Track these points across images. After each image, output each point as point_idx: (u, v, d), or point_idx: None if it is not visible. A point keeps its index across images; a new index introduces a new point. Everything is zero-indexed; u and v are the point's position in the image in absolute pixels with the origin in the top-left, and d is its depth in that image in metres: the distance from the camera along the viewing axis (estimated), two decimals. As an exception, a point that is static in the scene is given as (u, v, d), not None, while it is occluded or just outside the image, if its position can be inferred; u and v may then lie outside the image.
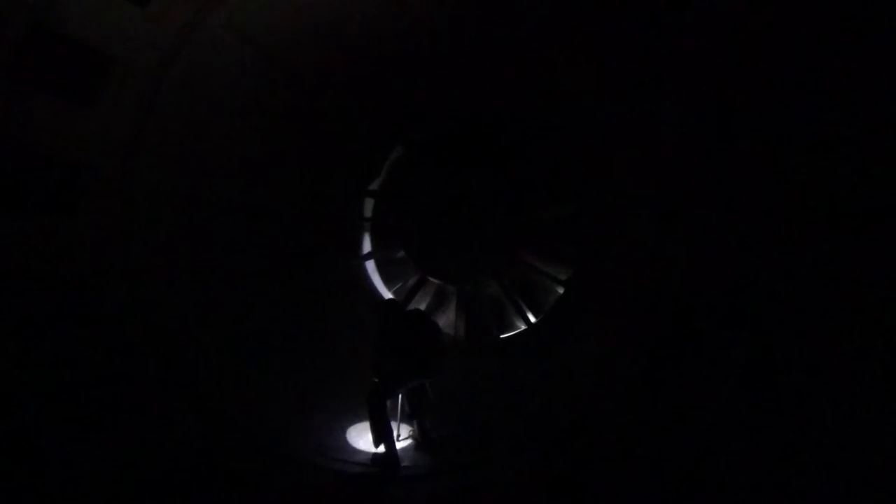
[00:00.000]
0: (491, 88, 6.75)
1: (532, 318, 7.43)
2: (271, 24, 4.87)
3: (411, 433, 5.52)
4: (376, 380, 5.20)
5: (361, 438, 5.33)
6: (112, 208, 4.35)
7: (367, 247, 8.01)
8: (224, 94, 5.08)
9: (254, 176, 5.88)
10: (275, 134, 5.97)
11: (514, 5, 4.95)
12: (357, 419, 5.56)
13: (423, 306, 7.71)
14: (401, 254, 7.60)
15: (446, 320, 7.56)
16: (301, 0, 4.83)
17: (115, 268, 4.33)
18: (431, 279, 7.49)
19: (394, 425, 5.32)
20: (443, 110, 7.42)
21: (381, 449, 4.98)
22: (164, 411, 4.34)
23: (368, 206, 7.96)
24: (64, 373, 3.85)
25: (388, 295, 7.87)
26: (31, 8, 3.39)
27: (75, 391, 3.86)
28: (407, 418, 5.57)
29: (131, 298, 4.37)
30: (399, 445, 5.20)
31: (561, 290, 7.31)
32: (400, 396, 5.57)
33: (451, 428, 5.37)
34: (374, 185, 7.90)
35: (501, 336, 7.57)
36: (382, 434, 4.95)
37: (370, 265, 8.01)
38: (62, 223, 4.10)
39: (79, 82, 3.97)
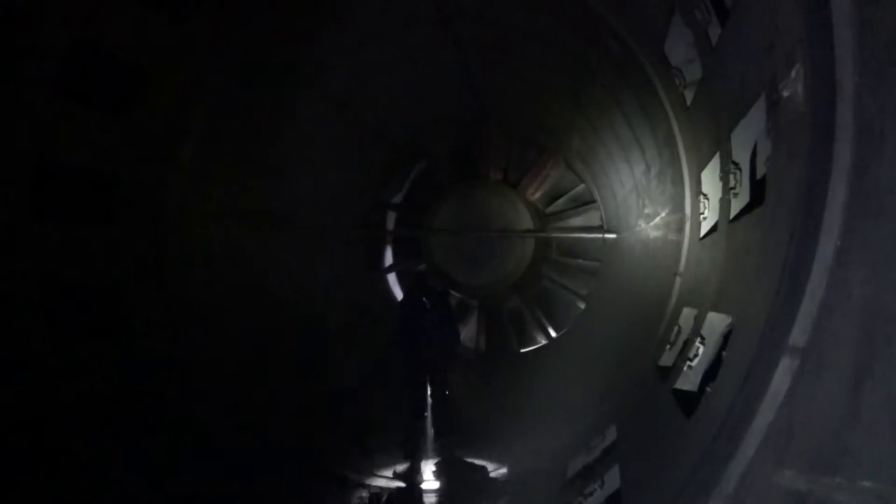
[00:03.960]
0: (512, 99, 6.83)
1: (553, 333, 7.43)
2: (300, 40, 4.98)
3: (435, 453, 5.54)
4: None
5: (383, 454, 5.37)
6: (146, 220, 4.45)
7: (388, 259, 8.08)
8: (255, 109, 5.20)
9: (280, 188, 5.98)
10: (302, 148, 6.07)
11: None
12: (378, 434, 5.60)
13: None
14: (422, 266, 7.65)
15: (467, 333, 7.59)
16: (328, 16, 4.95)
17: (149, 279, 4.43)
18: (453, 293, 7.53)
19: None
20: (465, 123, 7.49)
21: (401, 467, 5.04)
22: (195, 423, 4.41)
23: (390, 219, 8.04)
24: (97, 384, 3.93)
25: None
26: (72, 24, 3.51)
27: (107, 401, 3.94)
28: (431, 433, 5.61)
29: (165, 310, 4.47)
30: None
31: (582, 305, 7.31)
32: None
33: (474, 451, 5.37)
34: (397, 199, 7.99)
35: (522, 350, 7.58)
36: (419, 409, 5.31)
37: (391, 278, 8.08)
38: (96, 234, 4.20)
39: (116, 96, 4.09)
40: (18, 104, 3.34)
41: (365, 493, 4.71)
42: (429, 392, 5.60)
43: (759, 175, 2.48)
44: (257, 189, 5.65)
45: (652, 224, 5.02)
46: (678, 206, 3.97)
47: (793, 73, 1.84)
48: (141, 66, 4.10)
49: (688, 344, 3.07)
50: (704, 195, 3.37)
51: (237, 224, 5.40)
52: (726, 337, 2.54)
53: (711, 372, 2.67)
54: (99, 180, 4.15)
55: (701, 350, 2.88)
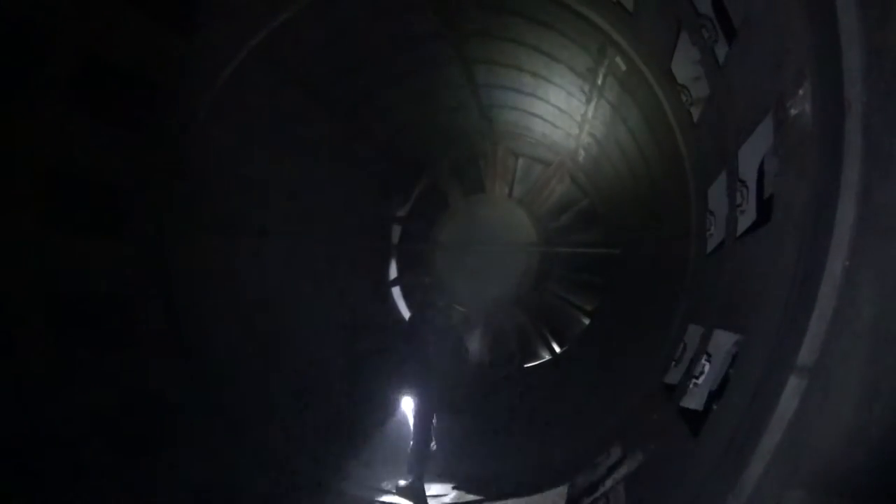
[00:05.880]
0: (518, 114, 6.85)
1: (557, 348, 7.39)
2: (306, 55, 5.03)
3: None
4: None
5: (386, 466, 5.33)
6: (151, 231, 4.47)
7: (393, 273, 8.07)
8: (261, 123, 5.24)
9: (287, 203, 6.00)
10: (308, 161, 6.11)
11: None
12: (383, 448, 5.57)
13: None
14: (427, 280, 7.64)
15: (470, 348, 7.54)
16: (335, 32, 5.00)
17: (154, 291, 4.44)
18: (457, 307, 7.51)
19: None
20: (471, 138, 7.52)
21: (403, 483, 4.98)
22: (198, 435, 4.40)
23: (395, 233, 8.04)
24: (101, 395, 3.93)
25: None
26: (82, 37, 3.55)
27: (112, 414, 3.93)
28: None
29: (170, 322, 4.47)
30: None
31: (587, 321, 7.28)
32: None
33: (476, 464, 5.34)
34: (402, 212, 7.99)
35: (525, 365, 7.53)
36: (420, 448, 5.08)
37: (396, 291, 8.06)
38: (102, 245, 4.22)
39: (123, 109, 4.13)
40: (28, 115, 3.37)
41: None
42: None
43: (766, 193, 2.47)
44: (262, 201, 5.68)
45: (657, 240, 5.01)
46: (684, 223, 3.97)
47: (800, 92, 1.85)
48: (149, 79, 4.14)
49: (694, 361, 3.05)
50: (711, 212, 3.36)
51: (242, 236, 5.42)
52: (733, 355, 2.53)
53: (718, 390, 2.65)
54: (105, 192, 4.18)
55: (707, 368, 2.86)
